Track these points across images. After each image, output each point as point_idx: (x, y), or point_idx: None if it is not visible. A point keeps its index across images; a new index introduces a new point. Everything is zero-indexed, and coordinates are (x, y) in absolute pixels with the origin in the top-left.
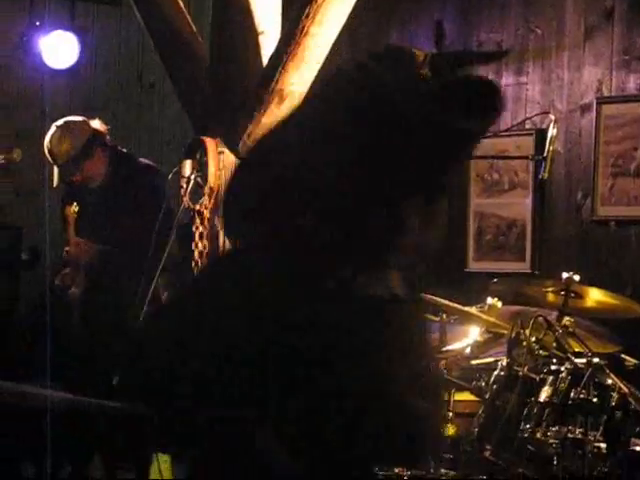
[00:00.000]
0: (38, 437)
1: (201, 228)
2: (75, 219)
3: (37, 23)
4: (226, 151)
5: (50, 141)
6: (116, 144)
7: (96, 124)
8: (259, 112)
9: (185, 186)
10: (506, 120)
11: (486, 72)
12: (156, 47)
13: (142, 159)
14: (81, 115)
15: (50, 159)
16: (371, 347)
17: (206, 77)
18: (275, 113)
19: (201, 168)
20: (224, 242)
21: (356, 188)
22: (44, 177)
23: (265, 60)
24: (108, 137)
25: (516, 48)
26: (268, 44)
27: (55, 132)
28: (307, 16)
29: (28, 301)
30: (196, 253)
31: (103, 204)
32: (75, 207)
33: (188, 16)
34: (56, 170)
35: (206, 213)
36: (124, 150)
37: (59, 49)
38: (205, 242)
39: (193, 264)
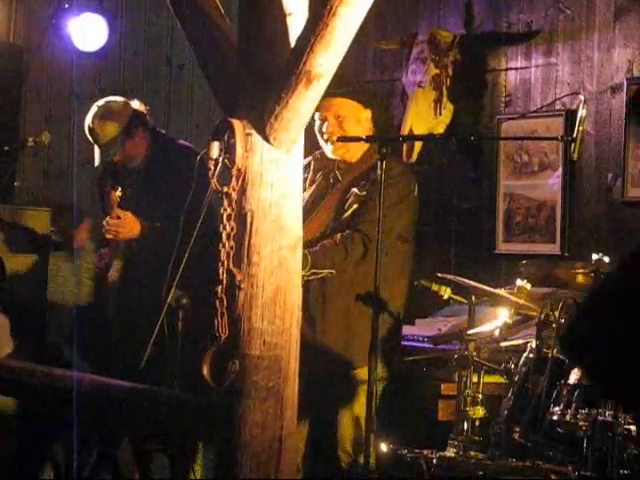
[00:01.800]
0: (69, 420)
1: (229, 210)
2: (117, 202)
3: (66, 6)
4: (254, 133)
5: (92, 121)
6: (155, 125)
7: (136, 104)
8: (287, 94)
9: (213, 168)
10: (536, 101)
11: (516, 53)
12: (184, 29)
13: (181, 140)
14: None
15: (91, 139)
16: None
17: (234, 59)
18: (303, 95)
19: (229, 150)
20: (252, 224)
21: None
22: (73, 159)
23: (293, 41)
24: (148, 118)
25: (546, 29)
26: (296, 25)
27: (97, 112)
28: None
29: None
30: (224, 235)
31: (142, 184)
32: (120, 192)
33: None
34: (97, 150)
35: (234, 195)
36: (163, 131)
37: (88, 31)
38: (233, 224)
39: (220, 246)
